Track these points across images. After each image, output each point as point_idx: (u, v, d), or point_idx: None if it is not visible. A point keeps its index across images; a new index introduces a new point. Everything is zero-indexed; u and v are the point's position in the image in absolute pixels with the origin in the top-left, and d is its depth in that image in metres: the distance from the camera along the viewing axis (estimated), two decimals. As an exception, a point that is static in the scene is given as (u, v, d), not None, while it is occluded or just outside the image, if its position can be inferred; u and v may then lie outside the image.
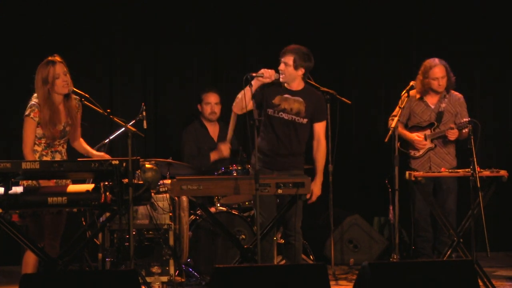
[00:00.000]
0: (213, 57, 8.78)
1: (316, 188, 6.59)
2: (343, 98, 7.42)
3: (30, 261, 6.04)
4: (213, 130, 8.08)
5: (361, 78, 9.01)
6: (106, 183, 5.75)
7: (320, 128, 6.72)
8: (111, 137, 7.22)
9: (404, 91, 7.40)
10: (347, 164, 8.66)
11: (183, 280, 6.89)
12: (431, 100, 7.73)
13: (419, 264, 5.71)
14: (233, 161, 7.83)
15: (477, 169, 6.70)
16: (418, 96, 7.70)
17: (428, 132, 7.68)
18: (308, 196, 6.51)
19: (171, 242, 6.81)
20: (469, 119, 7.47)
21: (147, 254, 6.77)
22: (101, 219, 6.18)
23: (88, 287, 4.99)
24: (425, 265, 5.55)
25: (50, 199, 5.69)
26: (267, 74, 6.52)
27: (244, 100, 6.44)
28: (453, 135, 7.54)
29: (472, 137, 6.78)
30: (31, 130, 6.07)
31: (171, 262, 6.79)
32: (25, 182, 5.94)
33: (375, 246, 8.30)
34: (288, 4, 8.81)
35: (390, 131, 7.07)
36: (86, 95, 6.14)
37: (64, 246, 6.06)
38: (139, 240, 6.73)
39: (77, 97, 6.18)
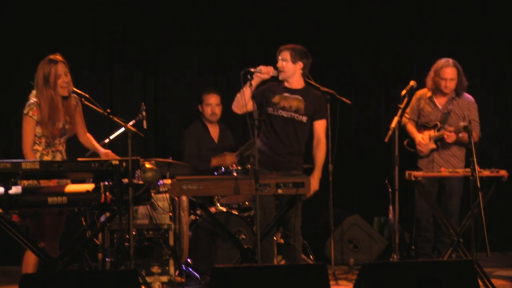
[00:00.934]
0: (213, 57, 8.78)
1: (314, 182, 6.57)
2: (343, 98, 7.42)
3: (30, 261, 6.04)
4: (214, 131, 8.08)
5: (361, 78, 9.02)
6: (106, 183, 5.75)
7: (320, 126, 6.72)
8: (111, 137, 7.22)
9: (404, 91, 7.40)
10: (347, 164, 8.66)
11: (183, 280, 6.89)
12: (440, 101, 7.72)
13: (419, 264, 5.72)
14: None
15: (477, 169, 6.70)
16: (428, 94, 7.69)
17: (432, 132, 7.68)
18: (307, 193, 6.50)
19: (171, 242, 6.81)
20: (465, 124, 7.45)
21: (147, 254, 6.78)
22: (101, 219, 6.18)
23: (88, 287, 4.99)
24: (425, 265, 5.55)
25: (50, 199, 5.69)
26: (265, 70, 6.52)
27: (243, 98, 6.44)
28: (450, 138, 7.54)
29: (472, 137, 6.78)
30: (30, 129, 6.07)
31: (171, 262, 6.79)
32: (25, 182, 5.95)
33: (375, 246, 8.30)
34: (288, 4, 8.81)
35: (390, 131, 7.07)
36: (86, 95, 6.14)
37: (64, 246, 6.06)
38: (139, 240, 6.73)
39: (75, 95, 6.18)
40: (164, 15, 8.61)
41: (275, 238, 7.09)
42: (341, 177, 8.19)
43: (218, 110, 8.01)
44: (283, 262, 7.08)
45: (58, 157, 6.16)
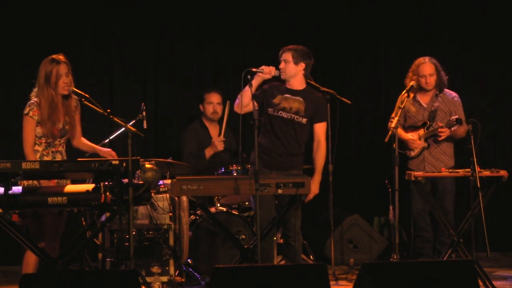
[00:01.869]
0: (213, 57, 8.78)
1: (314, 186, 6.59)
2: (343, 98, 7.42)
3: (30, 261, 6.04)
4: (214, 130, 8.07)
5: (361, 78, 9.02)
6: (106, 183, 5.75)
7: (320, 129, 6.73)
8: (111, 137, 7.22)
9: (404, 91, 7.40)
10: (347, 164, 8.67)
11: (183, 280, 6.89)
12: (424, 99, 7.75)
13: (419, 264, 5.71)
14: (233, 161, 7.84)
15: (477, 169, 6.70)
16: (411, 95, 7.70)
17: (421, 131, 7.69)
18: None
19: (171, 242, 6.81)
20: (457, 117, 7.48)
21: (147, 254, 6.77)
22: (101, 219, 6.17)
23: (88, 287, 4.99)
24: (425, 265, 5.55)
25: (50, 199, 5.69)
26: (267, 70, 6.53)
27: (243, 99, 6.46)
28: (443, 133, 7.55)
29: (472, 137, 6.78)
30: (30, 129, 6.08)
31: (171, 262, 6.79)
32: (25, 182, 5.95)
33: (375, 246, 8.30)
34: (288, 4, 8.81)
35: (390, 131, 7.07)
36: (86, 95, 6.14)
37: (64, 246, 6.06)
38: (139, 240, 6.73)
39: (76, 96, 6.18)
40: (164, 15, 8.62)
41: (275, 238, 7.09)
42: (341, 177, 8.20)
43: (219, 109, 8.01)
44: (283, 262, 7.08)
45: (59, 158, 6.16)
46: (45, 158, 6.08)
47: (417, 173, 7.05)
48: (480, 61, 9.00)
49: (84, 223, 6.96)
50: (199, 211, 7.35)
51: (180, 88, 8.71)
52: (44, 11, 8.30)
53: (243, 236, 7.31)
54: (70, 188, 5.86)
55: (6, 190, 5.60)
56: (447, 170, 7.22)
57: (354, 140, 9.03)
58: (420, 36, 8.99)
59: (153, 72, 8.66)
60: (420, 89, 7.70)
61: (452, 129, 7.52)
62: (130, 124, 6.45)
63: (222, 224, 6.67)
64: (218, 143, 7.82)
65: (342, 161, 7.73)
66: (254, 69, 6.47)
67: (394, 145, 7.24)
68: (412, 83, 7.46)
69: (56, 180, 6.07)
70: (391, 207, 7.34)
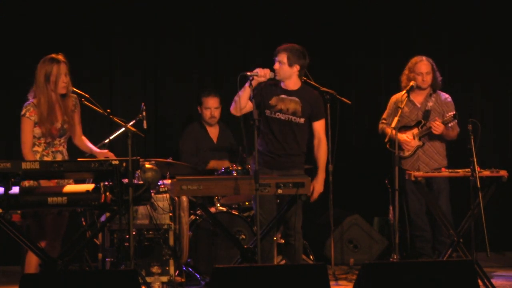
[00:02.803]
0: (213, 57, 8.78)
1: (318, 185, 6.60)
2: (343, 98, 7.42)
3: (32, 261, 6.04)
4: (213, 131, 8.07)
5: (361, 78, 9.02)
6: (106, 183, 5.75)
7: (319, 126, 6.73)
8: (111, 137, 7.22)
9: (404, 91, 7.40)
10: (347, 164, 8.66)
11: (183, 280, 6.89)
12: (418, 99, 7.75)
13: (419, 264, 5.71)
14: (233, 161, 7.84)
15: (477, 169, 6.70)
16: (405, 95, 7.69)
17: (415, 130, 7.69)
18: (309, 194, 6.51)
19: (171, 242, 6.81)
20: (454, 112, 7.49)
21: (147, 254, 6.77)
22: (101, 219, 6.17)
23: (88, 287, 4.99)
24: (425, 265, 5.55)
25: (50, 199, 5.69)
26: (261, 73, 6.53)
27: (241, 101, 6.47)
28: (438, 127, 7.53)
29: (472, 137, 6.78)
30: (28, 130, 6.07)
31: (171, 262, 6.79)
32: (26, 183, 5.94)
33: (375, 246, 8.30)
34: (288, 4, 8.81)
35: (390, 131, 7.07)
36: (86, 95, 6.14)
37: (64, 246, 6.06)
38: (139, 240, 6.73)
39: (74, 95, 6.18)
40: (164, 15, 8.61)
41: (275, 238, 7.09)
42: (341, 177, 8.19)
43: (217, 113, 8.00)
44: (283, 262, 7.08)
45: (59, 158, 6.15)
46: (45, 159, 6.07)
47: (417, 173, 7.05)
48: (480, 61, 9.00)
49: (84, 223, 6.96)
50: (199, 211, 7.35)
51: (180, 88, 8.70)
52: (44, 11, 8.30)
53: (243, 236, 7.31)
54: (70, 188, 5.86)
55: (6, 190, 5.60)
56: (447, 170, 7.22)
57: (354, 140, 9.03)
58: (420, 36, 8.99)
59: (153, 72, 8.66)
60: (414, 88, 7.69)
61: (449, 125, 7.51)
62: (130, 124, 6.45)
63: (222, 224, 6.67)
64: (221, 165, 7.77)
65: (342, 161, 7.73)
66: (249, 73, 6.46)
67: (387, 146, 7.29)
68: (412, 83, 7.46)
69: (56, 180, 6.07)
70: (391, 207, 7.34)
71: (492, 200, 7.19)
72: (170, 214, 6.83)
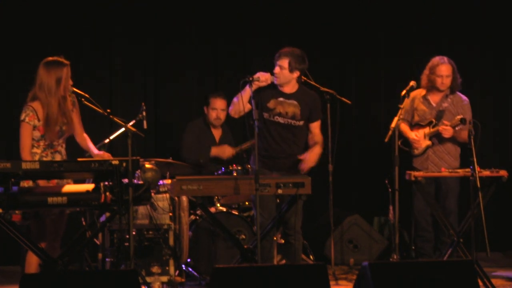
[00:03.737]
0: (213, 57, 8.78)
1: (310, 155, 6.58)
2: (343, 98, 7.42)
3: (32, 261, 6.04)
4: (216, 131, 8.07)
5: (361, 78, 9.01)
6: (106, 183, 5.75)
7: (315, 127, 6.77)
8: (111, 137, 7.22)
9: (404, 91, 7.39)
10: (347, 164, 8.66)
11: (183, 280, 6.89)
12: (434, 99, 7.74)
13: (419, 264, 5.72)
14: (233, 161, 7.84)
15: (477, 169, 6.69)
16: (423, 93, 7.69)
17: (427, 130, 7.69)
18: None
19: (171, 242, 6.81)
20: (462, 116, 7.47)
21: (147, 254, 6.77)
22: (101, 219, 6.17)
23: (88, 287, 4.99)
24: (425, 265, 5.55)
25: (50, 199, 5.69)
26: (263, 78, 6.55)
27: (240, 103, 6.48)
28: (446, 132, 7.53)
29: (472, 137, 6.77)
30: (27, 135, 6.06)
31: (171, 262, 6.79)
32: (25, 184, 5.94)
33: (375, 246, 8.30)
34: (288, 4, 8.80)
35: (390, 131, 7.07)
36: (86, 95, 6.14)
37: (64, 246, 6.06)
38: (139, 240, 6.73)
39: (72, 94, 6.16)
40: (164, 14, 8.61)
41: (275, 238, 7.09)
42: (341, 177, 8.19)
43: (222, 115, 7.98)
44: (283, 262, 7.08)
45: (58, 158, 6.15)
46: (44, 159, 6.07)
47: (416, 173, 7.05)
48: (480, 61, 9.00)
49: (84, 223, 6.96)
50: (199, 211, 7.35)
51: (180, 88, 8.70)
52: (44, 11, 8.29)
53: (243, 236, 7.31)
54: (70, 188, 5.86)
55: (6, 190, 5.60)
56: (447, 170, 7.22)
57: (354, 140, 9.02)
58: (420, 36, 8.99)
59: (153, 72, 8.66)
60: (432, 88, 7.68)
61: (457, 128, 7.50)
62: (130, 124, 6.45)
63: (222, 224, 6.67)
64: (227, 151, 7.79)
65: (342, 161, 7.73)
66: (250, 78, 6.47)
67: (399, 142, 7.26)
68: (412, 83, 7.44)
69: (56, 181, 6.07)
70: (391, 207, 7.34)
71: (492, 200, 7.19)
72: (170, 214, 6.83)
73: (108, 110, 6.06)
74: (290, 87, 6.71)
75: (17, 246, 6.14)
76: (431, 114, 7.71)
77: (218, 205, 7.47)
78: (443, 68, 7.64)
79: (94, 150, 6.35)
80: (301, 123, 6.68)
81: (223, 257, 7.22)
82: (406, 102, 7.42)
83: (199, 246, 7.27)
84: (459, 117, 7.48)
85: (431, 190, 7.62)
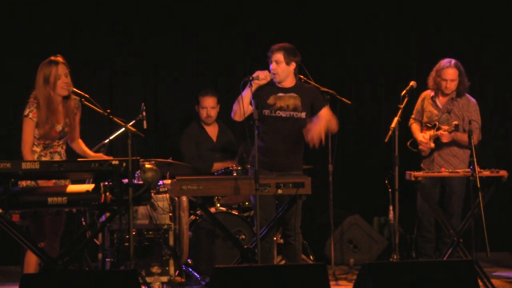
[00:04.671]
0: (214, 57, 8.78)
1: (317, 126, 6.50)
2: (343, 98, 7.42)
3: (32, 261, 6.05)
4: (212, 130, 8.07)
5: (361, 78, 9.01)
6: (106, 183, 5.75)
7: (325, 112, 6.67)
8: (111, 137, 7.22)
9: (404, 91, 7.39)
10: (347, 164, 8.66)
11: (183, 280, 6.89)
12: (441, 101, 7.73)
13: (419, 264, 5.72)
14: (233, 159, 7.84)
15: (477, 169, 6.70)
16: (431, 94, 7.70)
17: (432, 132, 7.69)
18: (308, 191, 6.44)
19: (171, 242, 6.81)
20: (456, 123, 7.46)
21: (147, 254, 6.77)
22: (101, 219, 6.17)
23: (88, 287, 4.99)
24: (425, 265, 5.55)
25: (50, 199, 5.69)
26: (262, 76, 6.54)
27: (241, 106, 6.47)
28: (444, 137, 7.53)
29: (472, 137, 6.78)
30: (30, 131, 6.07)
31: (171, 262, 6.79)
32: (24, 183, 5.94)
33: (375, 246, 8.30)
34: (288, 4, 8.80)
35: (390, 131, 7.07)
36: (86, 95, 6.14)
37: (64, 246, 6.06)
38: (139, 240, 6.73)
39: (77, 97, 6.18)
40: (164, 15, 8.61)
41: (275, 238, 7.09)
42: (341, 177, 8.19)
43: (213, 113, 7.98)
44: (283, 262, 7.08)
45: (57, 158, 6.15)
46: (43, 159, 6.07)
47: (416, 173, 7.05)
48: (480, 61, 8.99)
49: (84, 223, 6.96)
50: (199, 211, 7.35)
51: (180, 88, 8.70)
52: (44, 11, 8.30)
53: (243, 236, 7.31)
54: (70, 188, 5.86)
55: (6, 190, 5.60)
56: (447, 170, 7.22)
57: (354, 140, 9.02)
58: (420, 35, 8.99)
59: (153, 72, 8.66)
60: (438, 90, 7.68)
61: (452, 134, 7.49)
62: (130, 124, 6.45)
63: (222, 224, 6.67)
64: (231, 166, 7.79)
65: (342, 161, 7.73)
66: (250, 78, 6.47)
67: (408, 143, 7.25)
68: (412, 83, 7.43)
69: (54, 181, 6.07)
70: (391, 207, 7.33)
71: (492, 200, 7.20)
72: (170, 214, 6.83)
73: (108, 110, 6.06)
74: (289, 82, 6.70)
75: (17, 246, 6.14)
76: (437, 116, 7.70)
77: (218, 205, 7.47)
78: (448, 72, 7.61)
79: (90, 153, 6.35)
80: (304, 115, 6.64)
81: (223, 257, 7.22)
82: (418, 102, 7.43)
83: (199, 246, 7.27)
84: (454, 122, 7.47)
85: (437, 192, 7.63)
